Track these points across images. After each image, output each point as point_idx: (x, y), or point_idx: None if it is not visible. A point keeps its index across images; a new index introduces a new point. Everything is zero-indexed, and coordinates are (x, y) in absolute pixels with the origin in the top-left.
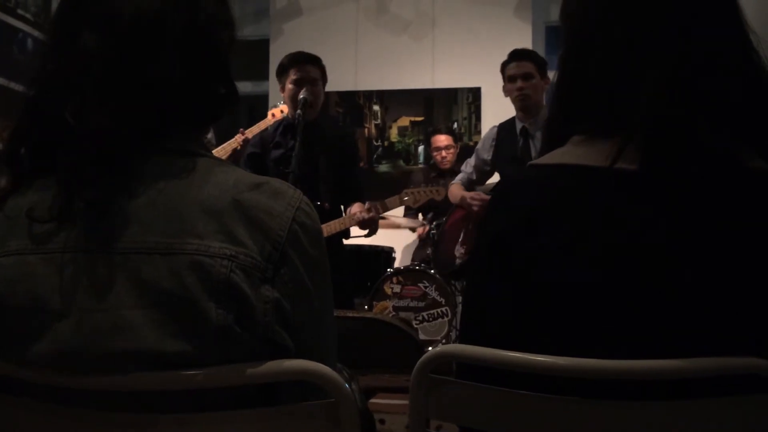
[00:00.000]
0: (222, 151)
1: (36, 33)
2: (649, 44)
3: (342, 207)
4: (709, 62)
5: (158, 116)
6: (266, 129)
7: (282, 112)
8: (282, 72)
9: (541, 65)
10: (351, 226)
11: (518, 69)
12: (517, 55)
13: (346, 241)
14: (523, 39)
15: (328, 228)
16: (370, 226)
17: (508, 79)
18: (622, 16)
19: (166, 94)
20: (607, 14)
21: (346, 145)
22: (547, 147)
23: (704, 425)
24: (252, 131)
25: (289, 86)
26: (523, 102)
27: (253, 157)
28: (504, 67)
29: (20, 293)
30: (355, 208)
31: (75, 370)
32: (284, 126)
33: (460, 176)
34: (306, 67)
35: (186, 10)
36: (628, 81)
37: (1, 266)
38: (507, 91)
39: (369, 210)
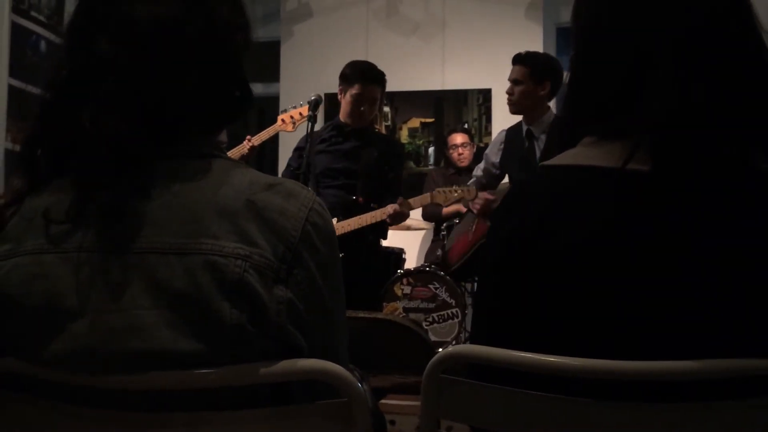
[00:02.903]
0: (231, 155)
1: (49, 35)
2: (659, 45)
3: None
4: (721, 63)
5: (173, 120)
6: (320, 127)
7: (291, 117)
8: (346, 80)
9: (537, 70)
10: (381, 218)
11: (510, 74)
12: (513, 59)
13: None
14: (534, 40)
15: (359, 221)
16: (399, 220)
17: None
18: (633, 17)
19: (181, 98)
20: (618, 16)
21: (391, 149)
22: (559, 148)
23: (717, 428)
24: (261, 137)
25: (348, 98)
26: (509, 106)
27: (299, 150)
28: None
29: (36, 293)
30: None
31: (90, 370)
32: (333, 126)
33: (472, 181)
34: (370, 86)
35: (201, 15)
36: (640, 82)
37: (18, 266)
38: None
39: (401, 204)
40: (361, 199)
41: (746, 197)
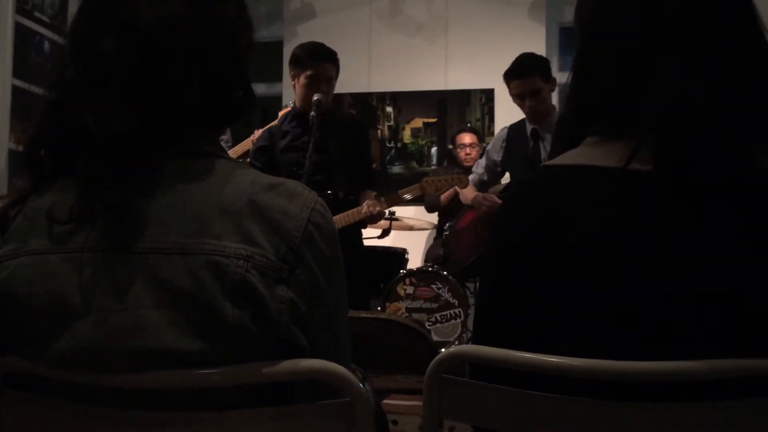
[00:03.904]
0: (234, 152)
1: (53, 36)
2: (662, 45)
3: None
4: (724, 63)
5: (177, 120)
6: (274, 123)
7: None
8: (297, 63)
9: (545, 72)
10: (357, 219)
11: (524, 87)
12: (520, 73)
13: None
14: (537, 40)
15: (338, 221)
16: (377, 219)
17: (516, 95)
18: (636, 17)
19: (184, 98)
20: (621, 15)
21: (355, 132)
22: (561, 148)
23: (720, 428)
24: (249, 143)
25: (303, 80)
26: (534, 116)
27: (261, 150)
28: (507, 82)
29: (40, 292)
30: (365, 200)
31: (93, 369)
32: (292, 116)
33: (471, 177)
34: (324, 65)
35: (205, 16)
36: (642, 82)
37: (22, 265)
38: (515, 102)
39: (376, 205)
40: (341, 194)
41: (747, 197)
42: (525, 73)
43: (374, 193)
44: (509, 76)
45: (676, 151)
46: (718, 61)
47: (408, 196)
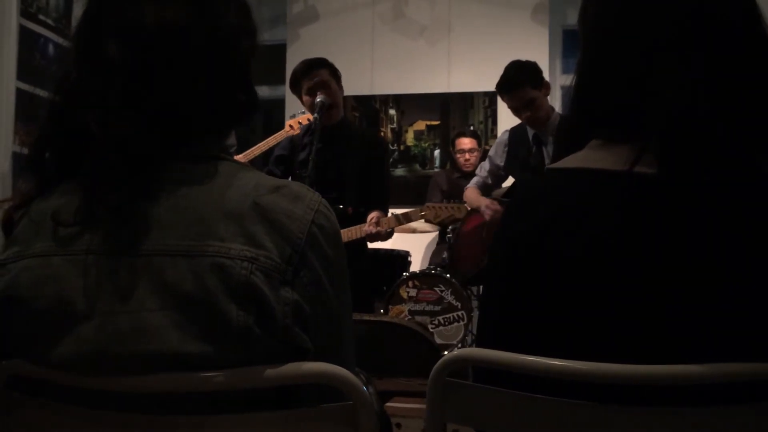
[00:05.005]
0: (245, 156)
1: (57, 39)
2: (666, 48)
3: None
4: (728, 66)
5: (180, 123)
6: (297, 133)
7: (300, 123)
8: (295, 85)
9: (535, 79)
10: (360, 236)
11: (516, 100)
12: (508, 88)
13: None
14: (540, 43)
15: (343, 235)
16: (377, 240)
17: (512, 109)
18: (640, 19)
19: (188, 102)
20: (625, 18)
21: (374, 150)
22: (564, 151)
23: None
24: (268, 143)
25: (305, 97)
26: (534, 124)
27: (280, 159)
28: (500, 96)
29: (45, 295)
30: (369, 218)
31: (97, 372)
32: (312, 130)
33: (475, 180)
34: (314, 72)
35: (208, 20)
36: (646, 85)
37: (27, 268)
38: (513, 114)
39: (377, 224)
40: (351, 209)
41: (752, 200)
42: (513, 87)
43: (380, 213)
44: (499, 92)
45: (680, 154)
46: (723, 64)
47: (410, 219)
